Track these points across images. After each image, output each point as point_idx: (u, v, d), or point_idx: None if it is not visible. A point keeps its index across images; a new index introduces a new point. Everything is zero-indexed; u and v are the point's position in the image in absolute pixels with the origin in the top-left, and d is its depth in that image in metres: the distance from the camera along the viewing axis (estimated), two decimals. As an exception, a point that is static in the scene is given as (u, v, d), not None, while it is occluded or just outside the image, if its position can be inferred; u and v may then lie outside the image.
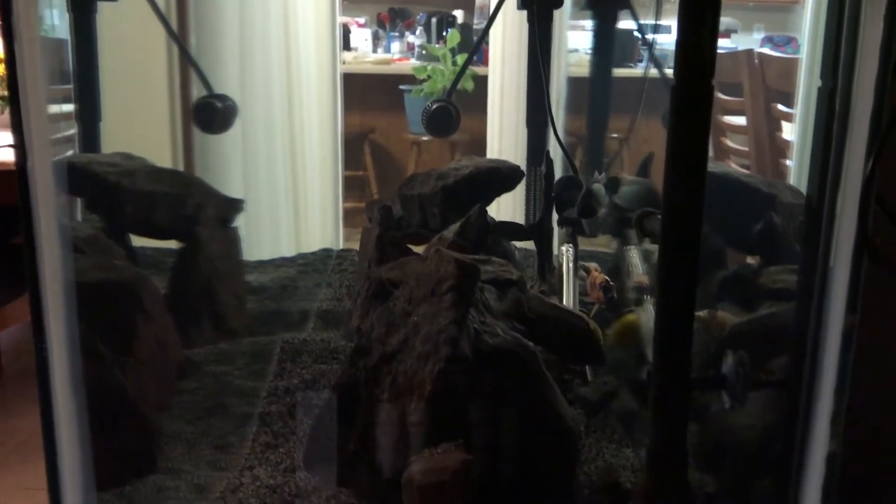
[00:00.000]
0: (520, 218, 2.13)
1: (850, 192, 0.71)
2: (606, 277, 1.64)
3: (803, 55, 2.23)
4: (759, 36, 4.50)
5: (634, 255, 1.61)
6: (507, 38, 3.19)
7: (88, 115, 2.03)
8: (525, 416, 1.15)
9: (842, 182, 0.73)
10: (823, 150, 0.77)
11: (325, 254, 2.29)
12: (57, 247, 0.85)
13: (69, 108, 2.02)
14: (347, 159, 3.58)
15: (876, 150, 0.68)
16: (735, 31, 4.48)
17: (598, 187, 1.68)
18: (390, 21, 4.67)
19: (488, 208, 1.58)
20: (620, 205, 1.65)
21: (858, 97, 0.73)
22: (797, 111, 2.32)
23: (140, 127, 2.40)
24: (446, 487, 1.02)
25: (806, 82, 2.15)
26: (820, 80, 0.83)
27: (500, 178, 1.67)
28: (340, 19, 2.91)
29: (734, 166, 2.61)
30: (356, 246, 2.09)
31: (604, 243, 2.04)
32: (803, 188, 0.85)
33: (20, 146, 0.86)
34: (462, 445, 1.06)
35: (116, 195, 1.65)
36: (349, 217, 3.12)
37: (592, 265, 1.74)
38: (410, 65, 4.09)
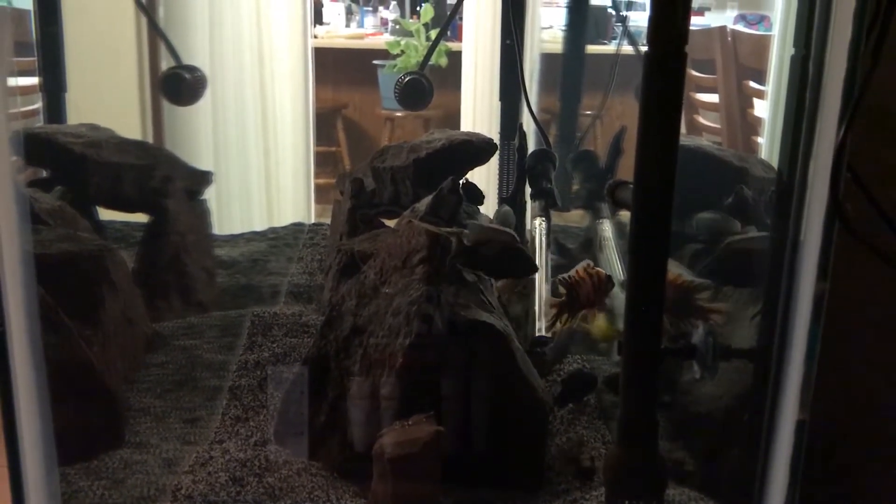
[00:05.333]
0: (493, 191, 2.12)
1: (821, 158, 0.71)
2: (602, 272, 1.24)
3: (776, 31, 2.24)
4: (732, 14, 4.53)
5: (607, 229, 1.61)
6: (481, 13, 3.16)
7: (53, 86, 1.99)
8: (496, 389, 1.15)
9: (814, 148, 0.73)
10: (795, 118, 0.77)
11: (297, 228, 2.26)
12: (14, 217, 0.82)
13: (34, 80, 1.98)
14: (321, 135, 3.55)
15: (849, 117, 0.68)
16: (709, 9, 4.51)
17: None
18: (364, -5, 4.63)
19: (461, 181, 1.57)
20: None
21: (831, 64, 0.73)
22: (769, 88, 2.33)
23: (107, 98, 2.36)
24: (416, 459, 1.02)
25: (778, 58, 2.15)
26: (793, 50, 0.83)
27: (473, 150, 1.65)
28: (312, -7, 2.89)
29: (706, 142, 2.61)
30: (328, 221, 2.07)
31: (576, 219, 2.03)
32: (775, 164, 0.85)
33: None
34: (433, 418, 1.05)
35: (82, 166, 1.61)
36: (322, 193, 3.09)
37: (582, 265, 1.28)
38: (384, 40, 4.05)
